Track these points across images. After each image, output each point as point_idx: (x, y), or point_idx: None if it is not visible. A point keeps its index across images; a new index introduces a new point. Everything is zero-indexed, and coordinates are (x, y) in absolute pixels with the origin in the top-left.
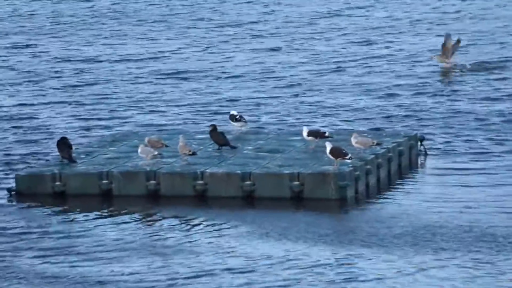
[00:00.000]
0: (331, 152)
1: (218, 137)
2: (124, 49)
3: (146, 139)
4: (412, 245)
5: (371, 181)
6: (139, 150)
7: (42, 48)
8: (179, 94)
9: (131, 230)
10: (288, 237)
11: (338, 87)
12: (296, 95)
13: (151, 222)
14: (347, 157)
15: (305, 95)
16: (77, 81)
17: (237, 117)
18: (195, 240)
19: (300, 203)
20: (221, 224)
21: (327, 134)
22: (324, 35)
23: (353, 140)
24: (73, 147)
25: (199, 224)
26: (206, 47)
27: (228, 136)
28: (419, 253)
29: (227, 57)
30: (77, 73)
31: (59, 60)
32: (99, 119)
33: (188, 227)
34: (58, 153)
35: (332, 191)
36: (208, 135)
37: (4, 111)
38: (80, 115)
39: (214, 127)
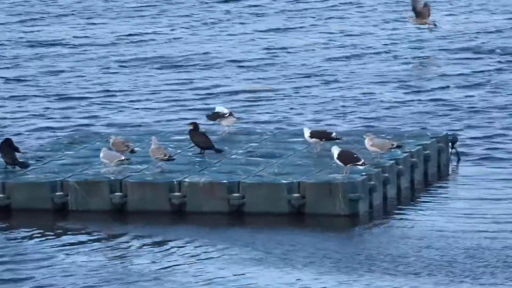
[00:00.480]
0: (340, 157)
1: (199, 138)
2: (93, 30)
3: (111, 141)
4: (447, 272)
5: (390, 193)
6: (101, 155)
7: None
8: (157, 85)
9: (95, 255)
10: (288, 263)
11: (355, 77)
12: (303, 87)
13: (118, 245)
14: (360, 163)
15: (315, 86)
16: (30, 69)
17: (225, 114)
18: (174, 267)
19: (301, 220)
20: (204, 246)
21: (334, 135)
22: (339, 13)
23: (367, 143)
24: (21, 151)
25: (177, 247)
26: (194, 28)
27: (213, 137)
28: (455, 282)
29: (219, 40)
30: (31, 59)
31: (6, 43)
32: (52, 117)
33: (164, 250)
34: (0, 158)
35: (340, 205)
36: (187, 136)
37: None
38: (33, 111)
39: (194, 126)
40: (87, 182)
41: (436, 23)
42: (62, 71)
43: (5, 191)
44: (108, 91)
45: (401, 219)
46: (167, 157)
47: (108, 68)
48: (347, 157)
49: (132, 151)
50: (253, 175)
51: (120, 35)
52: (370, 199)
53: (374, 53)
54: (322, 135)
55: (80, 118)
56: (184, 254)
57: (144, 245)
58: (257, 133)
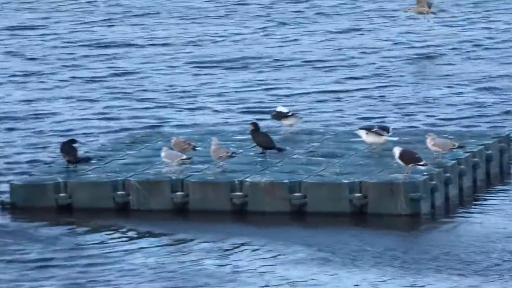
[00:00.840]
0: (401, 157)
1: (261, 138)
2: (158, 32)
3: (172, 141)
4: None
5: (452, 193)
6: (162, 154)
7: (51, 30)
8: (222, 86)
9: (159, 255)
10: (354, 264)
11: (424, 78)
12: (372, 88)
13: (181, 245)
14: (421, 163)
15: (383, 87)
16: (97, 71)
17: (288, 114)
18: (240, 268)
19: (363, 220)
20: (268, 246)
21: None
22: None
23: (429, 142)
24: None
25: (241, 247)
26: (261, 29)
27: (275, 137)
28: None
29: (285, 41)
30: (97, 61)
31: (73, 44)
32: (119, 117)
33: (228, 250)
34: (63, 158)
35: (402, 205)
36: (249, 136)
37: (8, 107)
38: (98, 112)
39: (255, 126)
40: (148, 182)
41: (436, 12)
42: (130, 72)
43: (67, 191)
44: (175, 91)
45: (463, 219)
46: (229, 154)
47: (174, 67)
48: (408, 157)
49: (194, 148)
50: (314, 174)
51: (185, 35)
52: (432, 199)
53: (442, 54)
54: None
55: (147, 119)
56: (249, 254)
57: (207, 245)
58: (319, 133)
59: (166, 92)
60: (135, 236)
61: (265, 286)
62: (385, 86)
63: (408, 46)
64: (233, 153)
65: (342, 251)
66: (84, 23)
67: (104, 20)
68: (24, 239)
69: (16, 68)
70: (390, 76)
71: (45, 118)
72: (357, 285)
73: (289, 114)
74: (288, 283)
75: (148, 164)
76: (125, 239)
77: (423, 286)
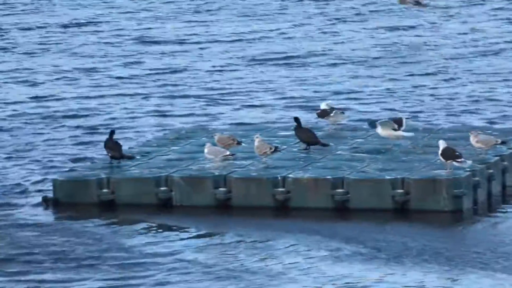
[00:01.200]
0: (443, 153)
1: (305, 134)
2: (211, 29)
3: (216, 137)
4: None
5: (495, 190)
6: (205, 150)
7: (107, 26)
8: (273, 81)
9: (204, 251)
10: (395, 260)
11: (474, 74)
12: (420, 85)
13: (225, 241)
14: (459, 160)
15: (432, 83)
16: (150, 68)
17: (333, 110)
18: (286, 265)
19: (405, 216)
20: (312, 243)
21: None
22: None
23: (472, 139)
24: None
25: (285, 243)
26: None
27: (318, 134)
28: None
29: (343, 38)
30: (151, 58)
31: (128, 40)
32: (173, 114)
33: (271, 246)
34: (106, 153)
35: (444, 201)
36: (293, 132)
37: (60, 104)
38: (150, 108)
39: (297, 122)
40: (191, 178)
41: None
42: (181, 70)
43: (109, 186)
44: (223, 88)
45: (506, 216)
46: (273, 149)
47: (227, 65)
48: (449, 153)
49: (239, 143)
50: (357, 171)
51: (240, 32)
52: (475, 195)
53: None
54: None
55: (198, 115)
56: (293, 251)
57: (251, 241)
58: (362, 129)
59: (215, 89)
60: (179, 233)
61: (312, 283)
62: (440, 83)
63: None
64: (276, 147)
65: (386, 248)
66: (137, 19)
67: (156, 17)
68: (68, 236)
69: (69, 65)
70: (441, 73)
71: (95, 115)
72: (402, 282)
73: (334, 111)
74: (333, 280)
75: (191, 160)
76: (168, 235)
77: (468, 283)
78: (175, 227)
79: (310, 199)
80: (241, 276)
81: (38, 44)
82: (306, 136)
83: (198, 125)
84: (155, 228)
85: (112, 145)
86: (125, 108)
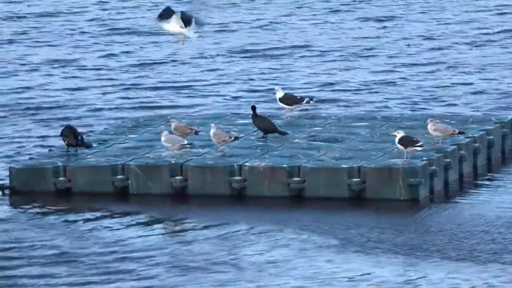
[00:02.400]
0: (401, 141)
1: (262, 122)
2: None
3: (173, 125)
4: None
5: (451, 178)
6: (162, 139)
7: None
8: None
9: (157, 238)
10: (348, 249)
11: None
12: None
13: (181, 229)
14: (418, 145)
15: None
16: (121, 59)
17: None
18: (243, 255)
19: (361, 205)
20: (267, 231)
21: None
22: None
23: (430, 127)
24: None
25: (240, 231)
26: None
27: (277, 122)
28: None
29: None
30: (123, 49)
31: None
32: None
33: (229, 235)
34: (63, 141)
35: (400, 190)
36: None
37: (29, 96)
38: (118, 101)
39: (254, 110)
40: (147, 166)
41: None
42: (157, 61)
43: (66, 175)
44: (195, 79)
45: (463, 204)
46: (233, 138)
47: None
48: (407, 140)
49: (196, 133)
50: (314, 159)
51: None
52: (431, 184)
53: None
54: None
55: (162, 106)
56: (248, 240)
57: (208, 231)
58: (321, 117)
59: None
60: (135, 221)
61: (275, 275)
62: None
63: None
64: (236, 137)
65: (337, 236)
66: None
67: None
68: (23, 225)
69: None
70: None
71: (65, 106)
72: (358, 272)
73: (304, 99)
74: (292, 268)
75: (148, 148)
76: (124, 224)
77: (426, 272)
78: (131, 215)
79: (267, 188)
80: (209, 268)
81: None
82: (264, 124)
83: (157, 114)
84: (110, 216)
85: (67, 133)
86: (95, 99)
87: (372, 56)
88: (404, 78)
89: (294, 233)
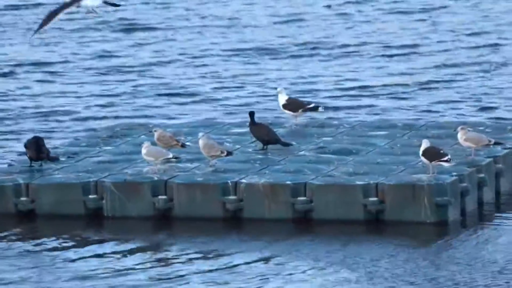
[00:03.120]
0: (425, 153)
1: (262, 131)
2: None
3: (156, 134)
4: None
5: (486, 197)
6: (143, 151)
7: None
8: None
9: (143, 271)
10: (370, 283)
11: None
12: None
13: (165, 261)
14: (445, 159)
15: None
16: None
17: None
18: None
19: (379, 229)
20: (274, 264)
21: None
22: None
23: (460, 137)
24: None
25: (239, 264)
26: None
27: (279, 131)
28: None
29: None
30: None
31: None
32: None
33: (224, 268)
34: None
35: (426, 212)
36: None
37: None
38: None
39: (252, 117)
40: (126, 183)
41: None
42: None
43: (28, 194)
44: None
45: (501, 228)
46: (224, 153)
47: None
48: (432, 153)
49: (183, 146)
50: (323, 175)
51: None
52: (462, 204)
53: None
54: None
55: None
56: (248, 271)
57: (197, 262)
58: (332, 125)
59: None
60: (110, 249)
61: None
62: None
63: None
64: (229, 152)
65: (357, 269)
66: None
67: None
68: None
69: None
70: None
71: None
72: None
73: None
74: None
75: (126, 162)
76: (98, 252)
77: None
78: (106, 242)
79: (266, 209)
80: None
81: None
82: (264, 134)
83: (136, 122)
84: (81, 244)
85: (30, 144)
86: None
87: (394, 55)
88: (441, 80)
89: (307, 265)
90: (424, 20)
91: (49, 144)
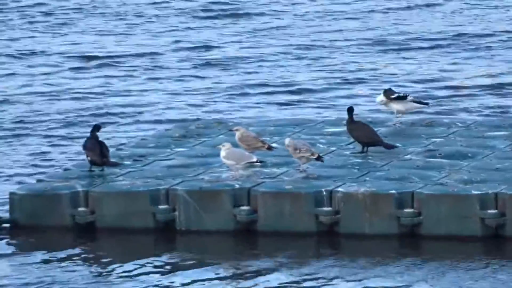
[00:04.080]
0: None
1: (361, 131)
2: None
3: (237, 134)
4: None
5: None
6: (222, 154)
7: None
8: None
9: None
10: None
11: None
12: None
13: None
14: None
15: None
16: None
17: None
18: None
19: (500, 247)
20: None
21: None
22: None
23: None
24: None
25: (332, 285)
26: None
27: (381, 130)
28: None
29: None
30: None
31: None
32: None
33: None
34: (86, 157)
35: None
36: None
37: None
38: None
39: (351, 113)
40: (202, 192)
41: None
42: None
43: (88, 204)
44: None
45: None
46: (315, 156)
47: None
48: None
49: (270, 148)
50: (433, 183)
51: None
52: None
53: None
54: None
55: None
56: None
57: (287, 285)
58: (444, 124)
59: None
60: (185, 271)
61: None
62: None
63: None
64: (320, 156)
65: None
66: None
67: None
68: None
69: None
70: None
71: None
72: None
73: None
74: None
75: (202, 166)
76: (170, 275)
77: None
78: (178, 261)
79: (367, 223)
80: None
81: None
82: (363, 134)
83: (213, 118)
84: (151, 263)
85: (91, 146)
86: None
87: None
88: None
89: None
90: None
91: (110, 145)
